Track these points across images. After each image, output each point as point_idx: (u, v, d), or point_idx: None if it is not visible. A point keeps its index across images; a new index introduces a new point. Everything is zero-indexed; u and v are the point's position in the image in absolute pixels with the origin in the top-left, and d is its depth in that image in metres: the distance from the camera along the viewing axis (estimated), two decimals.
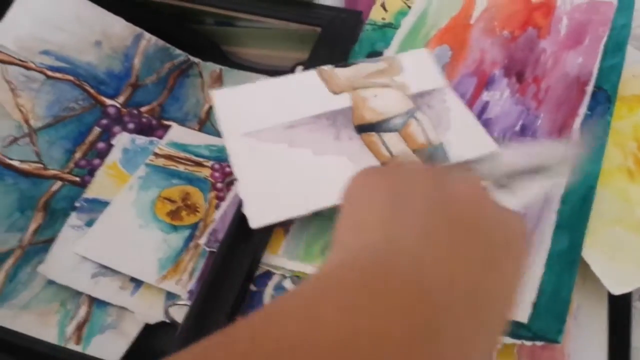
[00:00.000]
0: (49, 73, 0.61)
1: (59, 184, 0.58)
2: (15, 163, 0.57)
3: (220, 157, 0.60)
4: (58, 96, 0.61)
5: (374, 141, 0.50)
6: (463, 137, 0.50)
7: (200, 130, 0.66)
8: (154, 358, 0.52)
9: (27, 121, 0.59)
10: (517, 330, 0.41)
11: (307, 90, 0.53)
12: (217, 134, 0.65)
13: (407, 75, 0.55)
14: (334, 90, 0.53)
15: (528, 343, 0.41)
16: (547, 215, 0.46)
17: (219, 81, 0.69)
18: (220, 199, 0.57)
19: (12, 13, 0.61)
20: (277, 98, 0.53)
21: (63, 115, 0.61)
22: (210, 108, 0.67)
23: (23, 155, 0.58)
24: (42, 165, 0.58)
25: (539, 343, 0.41)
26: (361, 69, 0.55)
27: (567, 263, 0.43)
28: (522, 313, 0.41)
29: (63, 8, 0.64)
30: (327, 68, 0.55)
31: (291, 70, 0.67)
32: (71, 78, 0.62)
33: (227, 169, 0.59)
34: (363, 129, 0.51)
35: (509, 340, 0.41)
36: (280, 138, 0.50)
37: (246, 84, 0.54)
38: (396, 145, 0.50)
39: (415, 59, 0.56)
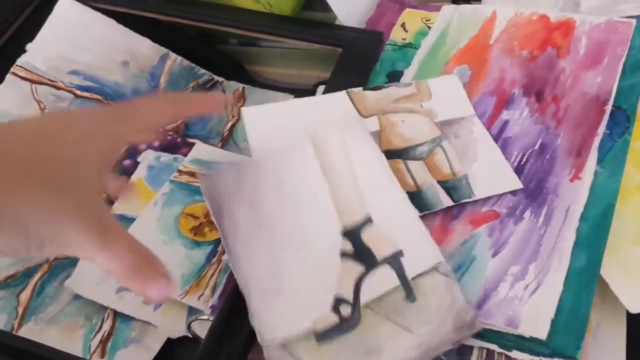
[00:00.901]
0: (78, 92, 0.63)
1: None
2: None
3: None
4: None
5: (399, 169, 0.51)
6: (488, 172, 0.51)
7: (222, 147, 0.67)
8: None
9: None
10: (535, 347, 0.42)
11: (336, 111, 0.54)
12: (239, 151, 0.66)
13: (435, 102, 0.55)
14: (363, 113, 0.54)
15: None
16: (566, 233, 0.46)
17: (241, 99, 0.70)
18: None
19: (42, 34, 0.63)
20: (306, 118, 0.53)
21: None
22: (233, 126, 0.68)
23: None
24: None
25: None
26: (391, 92, 0.56)
27: (585, 280, 0.44)
28: (541, 330, 0.42)
29: (91, 29, 0.66)
30: (357, 90, 0.56)
31: (312, 89, 0.69)
32: (99, 97, 0.64)
33: None
34: (390, 154, 0.51)
35: (527, 357, 0.42)
36: None
37: (276, 102, 0.55)
38: (421, 175, 0.51)
39: (444, 84, 0.57)
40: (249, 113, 0.53)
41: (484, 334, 0.43)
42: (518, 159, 0.51)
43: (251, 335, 0.44)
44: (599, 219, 0.46)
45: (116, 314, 0.53)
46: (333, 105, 0.54)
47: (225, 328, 0.45)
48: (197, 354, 0.44)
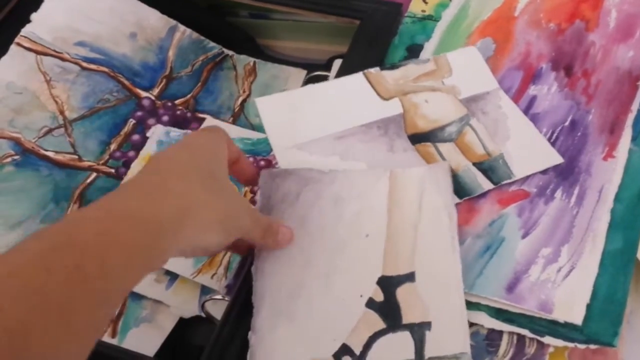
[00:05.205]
0: (84, 64, 0.61)
1: (93, 175, 0.58)
2: (50, 154, 0.57)
3: (254, 151, 0.59)
4: (93, 87, 0.61)
5: (430, 152, 0.48)
6: (524, 149, 0.48)
7: (233, 123, 0.65)
8: (189, 352, 0.51)
9: (62, 112, 0.59)
10: (569, 332, 0.40)
11: (355, 96, 0.51)
12: (251, 127, 0.64)
13: (457, 77, 0.52)
14: (383, 96, 0.51)
15: (581, 346, 0.39)
16: (600, 214, 0.44)
17: (252, 74, 0.68)
18: (255, 192, 0.56)
19: (47, 4, 0.60)
20: (324, 105, 0.50)
21: (98, 106, 0.60)
22: (244, 101, 0.66)
23: (58, 146, 0.57)
24: (77, 157, 0.58)
25: (592, 346, 0.39)
26: (409, 71, 0.53)
27: (622, 263, 0.42)
28: (576, 315, 0.40)
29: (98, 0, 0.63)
30: (373, 71, 0.53)
31: (327, 63, 0.66)
32: (106, 69, 0.62)
33: (262, 162, 0.58)
34: (417, 139, 0.49)
35: (561, 343, 0.40)
36: (331, 150, 0.48)
37: (289, 90, 0.53)
38: (454, 158, 0.48)
39: (464, 58, 0.54)
40: (263, 104, 0.50)
41: (515, 319, 0.41)
42: (548, 136, 0.49)
43: None
44: (635, 200, 0.44)
45: None
46: (350, 90, 0.52)
47: (244, 309, 0.43)
48: (214, 335, 0.42)
